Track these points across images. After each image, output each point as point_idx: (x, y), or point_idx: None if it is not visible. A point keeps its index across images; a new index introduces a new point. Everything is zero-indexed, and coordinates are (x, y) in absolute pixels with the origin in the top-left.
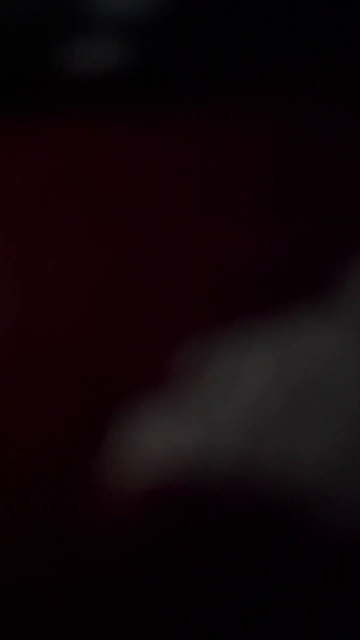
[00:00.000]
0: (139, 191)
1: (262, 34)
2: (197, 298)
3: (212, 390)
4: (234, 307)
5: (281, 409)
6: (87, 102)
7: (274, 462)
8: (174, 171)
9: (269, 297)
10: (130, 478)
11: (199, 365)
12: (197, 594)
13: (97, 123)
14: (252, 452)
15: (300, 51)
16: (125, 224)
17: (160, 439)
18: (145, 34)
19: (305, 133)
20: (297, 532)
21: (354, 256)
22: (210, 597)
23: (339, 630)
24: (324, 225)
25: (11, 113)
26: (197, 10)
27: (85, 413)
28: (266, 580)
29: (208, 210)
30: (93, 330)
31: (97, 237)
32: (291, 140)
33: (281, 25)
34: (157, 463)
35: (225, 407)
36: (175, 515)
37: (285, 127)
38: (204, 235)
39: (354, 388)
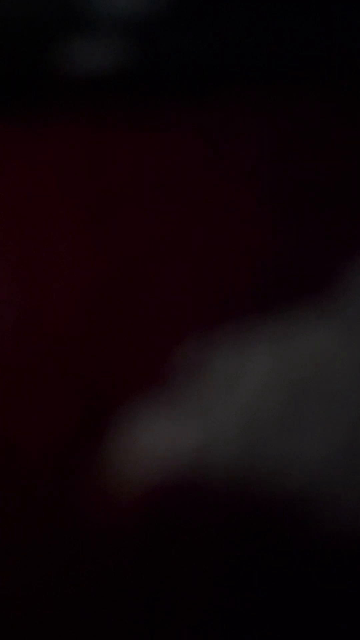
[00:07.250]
0: (139, 190)
1: (261, 34)
2: (197, 297)
3: (212, 390)
4: (234, 307)
5: (281, 408)
6: (86, 102)
7: (274, 461)
8: (174, 170)
9: (269, 296)
10: (131, 477)
11: (199, 365)
12: (197, 592)
13: (96, 122)
14: (252, 452)
15: (300, 51)
16: (125, 223)
17: (160, 439)
18: (145, 33)
19: (305, 132)
20: (296, 531)
21: (354, 256)
22: (211, 596)
23: (339, 630)
24: (324, 224)
25: (10, 113)
26: (196, 10)
27: (85, 412)
28: (266, 579)
29: (208, 210)
30: (93, 329)
31: (97, 237)
32: (290, 139)
33: (280, 25)
34: (157, 463)
35: (225, 407)
36: (175, 514)
37: (284, 126)
38: (204, 234)
39: (354, 388)
